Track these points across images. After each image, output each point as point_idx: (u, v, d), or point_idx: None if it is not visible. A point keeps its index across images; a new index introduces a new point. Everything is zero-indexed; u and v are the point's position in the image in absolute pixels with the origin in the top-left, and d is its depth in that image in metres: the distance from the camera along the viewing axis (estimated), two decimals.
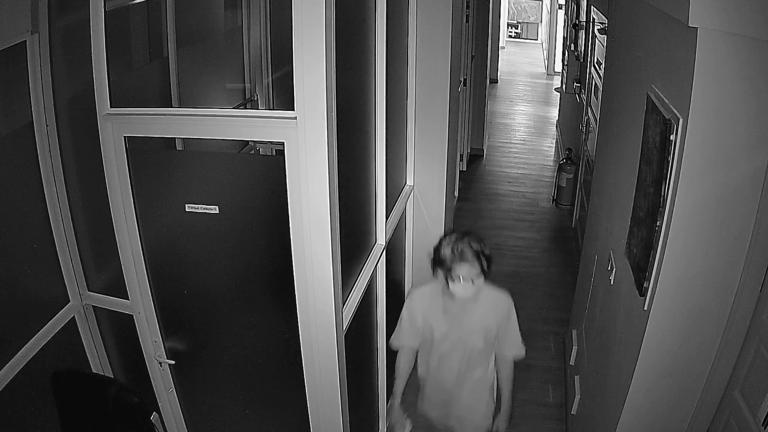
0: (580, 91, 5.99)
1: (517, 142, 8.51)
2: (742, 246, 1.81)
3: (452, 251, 2.29)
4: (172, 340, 2.50)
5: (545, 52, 13.61)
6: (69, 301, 2.49)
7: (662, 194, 1.86)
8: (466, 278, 2.29)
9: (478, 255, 2.29)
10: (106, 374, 2.69)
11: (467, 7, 5.66)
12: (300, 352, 2.27)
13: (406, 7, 3.22)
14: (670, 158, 1.81)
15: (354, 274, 2.62)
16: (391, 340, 2.61)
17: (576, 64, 6.40)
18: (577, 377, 3.35)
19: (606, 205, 3.09)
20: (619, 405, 2.19)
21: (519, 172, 7.35)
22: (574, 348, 3.54)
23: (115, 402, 2.32)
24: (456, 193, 6.21)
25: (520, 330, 2.54)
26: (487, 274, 2.35)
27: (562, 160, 6.09)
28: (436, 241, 3.20)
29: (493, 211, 6.29)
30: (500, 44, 12.26)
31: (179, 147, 2.63)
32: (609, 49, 3.69)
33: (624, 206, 2.46)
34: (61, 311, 2.45)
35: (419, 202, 3.72)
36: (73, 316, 2.51)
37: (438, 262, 2.33)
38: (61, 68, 2.26)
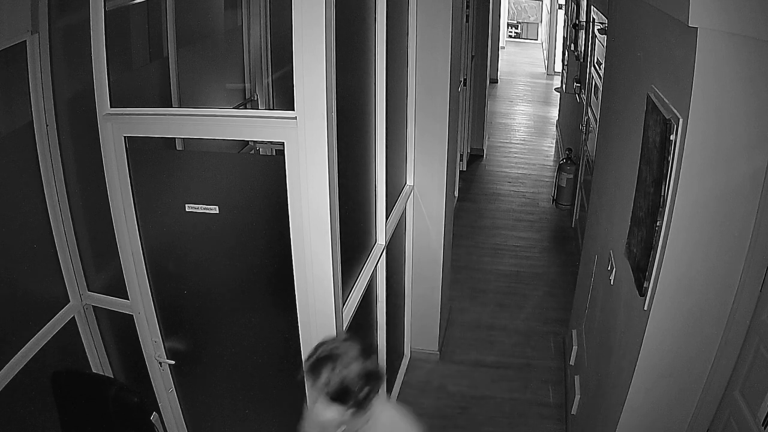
0: (580, 91, 5.98)
1: (517, 142, 8.51)
2: (742, 246, 1.80)
3: (310, 365, 1.60)
4: (172, 340, 2.50)
5: (545, 52, 13.61)
6: (69, 301, 2.49)
7: (662, 194, 1.86)
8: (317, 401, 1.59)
9: (334, 395, 1.56)
10: (106, 374, 2.69)
11: (467, 7, 5.66)
12: (300, 352, 2.27)
13: (406, 7, 3.22)
14: (670, 158, 1.81)
15: (354, 274, 2.62)
16: None
17: (576, 64, 6.40)
18: (577, 377, 3.35)
19: (606, 205, 3.09)
20: (619, 405, 2.18)
21: (519, 172, 7.35)
22: (574, 348, 3.54)
23: (115, 402, 2.32)
24: (456, 193, 6.21)
25: None
26: (358, 410, 1.62)
27: (562, 160, 6.08)
28: (435, 242, 3.11)
29: (493, 211, 6.29)
30: (500, 44, 12.25)
31: (179, 147, 2.63)
32: (609, 49, 3.69)
33: (624, 206, 2.45)
34: (61, 311, 2.45)
35: (419, 202, 3.72)
36: (73, 316, 2.51)
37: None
38: (61, 68, 2.26)
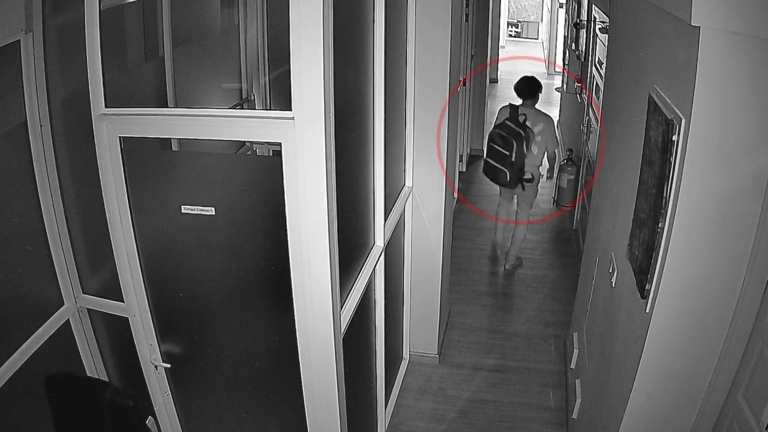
0: (581, 91, 5.97)
1: None
2: (745, 247, 1.79)
3: None
4: (167, 343, 2.48)
5: (546, 51, 13.60)
6: (63, 304, 2.47)
7: (664, 195, 1.85)
8: None
9: None
10: (101, 378, 2.67)
11: (467, 6, 5.64)
12: (297, 355, 2.25)
13: (405, 6, 3.20)
14: (672, 159, 1.79)
15: (352, 277, 2.60)
16: None
17: (577, 64, 6.39)
18: (578, 381, 3.33)
19: (607, 207, 3.07)
20: (621, 409, 2.17)
21: None
22: (575, 351, 3.52)
23: (110, 406, 2.30)
24: (455, 194, 6.20)
25: None
26: None
27: (563, 160, 6.07)
28: (434, 243, 3.07)
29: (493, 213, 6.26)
30: (500, 43, 12.24)
31: (175, 148, 2.61)
32: (610, 48, 3.67)
33: (626, 207, 2.44)
34: (55, 314, 2.43)
35: (418, 203, 3.70)
36: (68, 319, 2.49)
37: None
38: (56, 68, 2.24)
